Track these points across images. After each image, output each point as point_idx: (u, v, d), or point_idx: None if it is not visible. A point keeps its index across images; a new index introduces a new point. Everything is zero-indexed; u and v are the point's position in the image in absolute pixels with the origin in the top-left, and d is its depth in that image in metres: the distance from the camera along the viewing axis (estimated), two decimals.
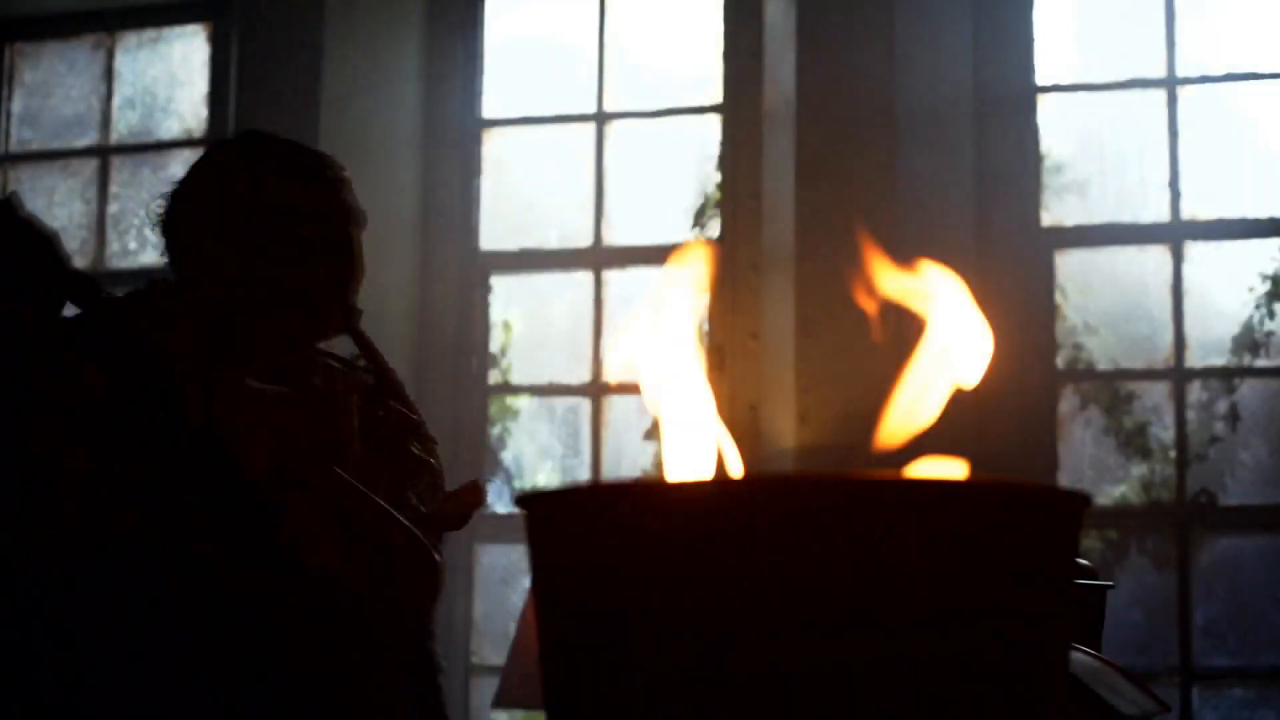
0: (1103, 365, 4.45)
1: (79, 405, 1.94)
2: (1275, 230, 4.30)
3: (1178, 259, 4.30)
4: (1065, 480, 4.24)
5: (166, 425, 1.96)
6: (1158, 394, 4.39)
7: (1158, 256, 4.34)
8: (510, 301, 4.81)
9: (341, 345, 2.27)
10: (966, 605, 1.01)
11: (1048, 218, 4.39)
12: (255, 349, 2.11)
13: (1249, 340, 4.32)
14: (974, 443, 4.06)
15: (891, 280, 1.28)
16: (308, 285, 2.13)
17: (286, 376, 2.11)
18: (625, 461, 4.64)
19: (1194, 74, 4.38)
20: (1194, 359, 4.30)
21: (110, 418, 1.94)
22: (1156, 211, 4.36)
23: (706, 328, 4.54)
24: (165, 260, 2.19)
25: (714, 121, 4.63)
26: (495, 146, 4.88)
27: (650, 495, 1.08)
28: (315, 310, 2.15)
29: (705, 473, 1.26)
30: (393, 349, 2.88)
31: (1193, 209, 4.34)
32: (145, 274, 4.17)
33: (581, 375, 4.70)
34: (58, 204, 5.20)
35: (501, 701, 3.81)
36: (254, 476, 1.96)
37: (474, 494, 2.17)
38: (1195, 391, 4.34)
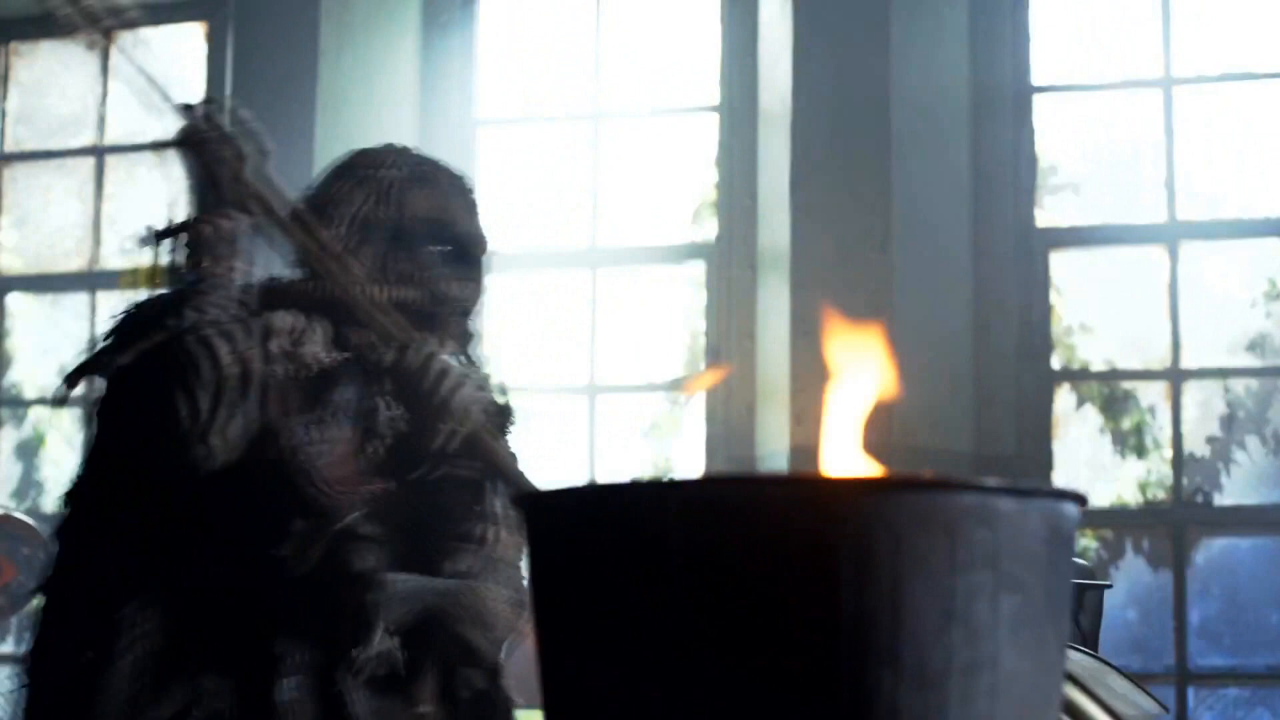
0: (1099, 365, 4.45)
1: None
2: (1271, 230, 4.30)
3: (1174, 259, 4.30)
4: (1061, 480, 4.25)
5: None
6: (1154, 394, 4.39)
7: (1154, 256, 4.34)
8: (508, 301, 4.80)
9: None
10: (965, 605, 1.01)
11: (1043, 217, 4.39)
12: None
13: (1245, 340, 4.33)
14: (971, 442, 4.07)
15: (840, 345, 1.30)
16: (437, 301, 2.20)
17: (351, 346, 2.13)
18: (625, 461, 4.64)
19: (1190, 74, 4.38)
20: (1190, 359, 4.30)
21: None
22: (1152, 212, 4.36)
23: (703, 328, 4.54)
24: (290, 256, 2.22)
25: (711, 122, 4.63)
26: (491, 146, 4.88)
27: (649, 495, 1.08)
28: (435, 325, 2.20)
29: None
30: None
31: (1189, 209, 4.34)
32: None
33: (579, 375, 4.70)
34: (54, 203, 5.19)
35: None
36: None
37: None
38: (1191, 391, 4.35)
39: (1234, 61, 4.37)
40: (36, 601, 2.19)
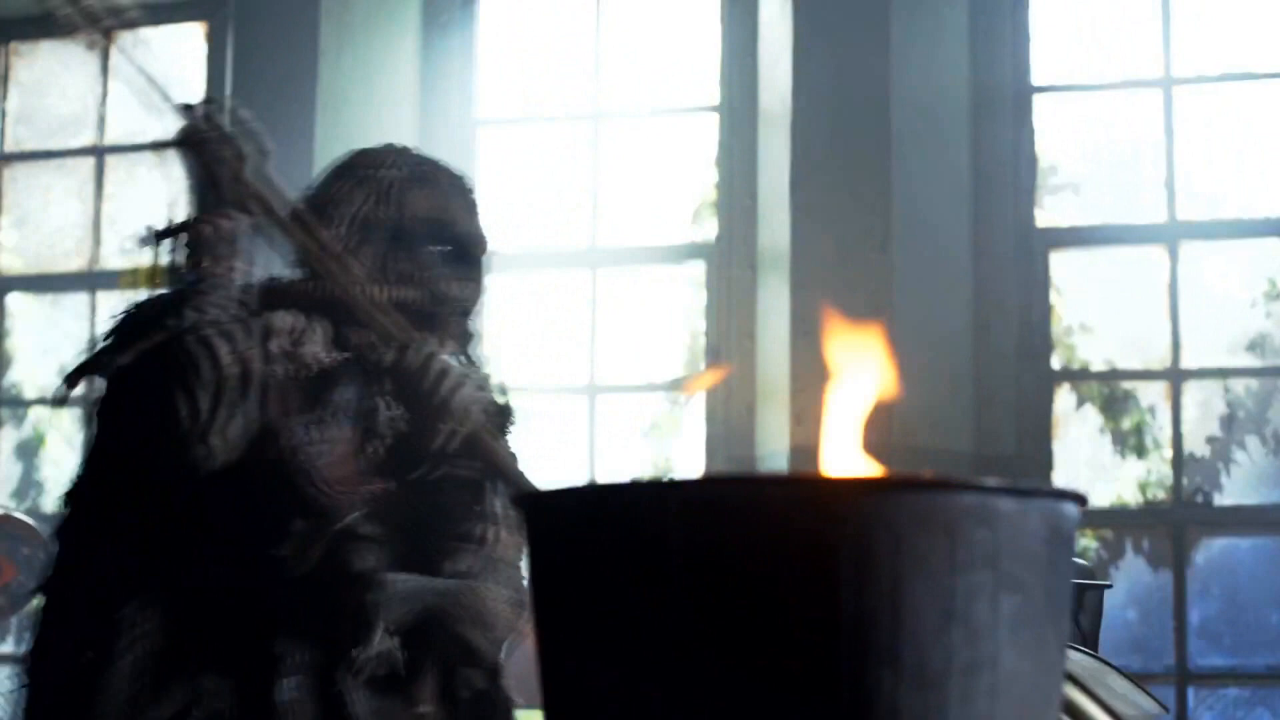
0: (1099, 365, 4.45)
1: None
2: (1271, 230, 4.30)
3: (1174, 259, 4.30)
4: (1061, 480, 4.25)
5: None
6: (1154, 394, 4.40)
7: (1154, 256, 4.34)
8: (508, 301, 4.81)
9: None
10: (965, 605, 1.01)
11: (1043, 217, 4.39)
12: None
13: (1245, 340, 4.33)
14: (971, 442, 4.07)
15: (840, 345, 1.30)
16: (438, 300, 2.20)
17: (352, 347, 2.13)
18: (625, 461, 4.64)
19: (1190, 74, 4.38)
20: (1190, 359, 4.30)
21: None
22: (1152, 212, 4.36)
23: (703, 328, 4.55)
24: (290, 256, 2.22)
25: (711, 122, 4.63)
26: (491, 146, 4.88)
27: (649, 495, 1.08)
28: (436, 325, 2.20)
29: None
30: None
31: (1189, 209, 4.34)
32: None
33: (579, 375, 4.70)
34: (54, 203, 5.19)
35: None
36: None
37: None
38: (1191, 391, 4.35)
39: (1234, 61, 4.37)
40: (36, 601, 2.19)
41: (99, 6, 2.12)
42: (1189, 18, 4.40)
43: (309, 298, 2.14)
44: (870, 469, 1.20)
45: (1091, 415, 4.46)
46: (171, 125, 2.15)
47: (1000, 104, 4.36)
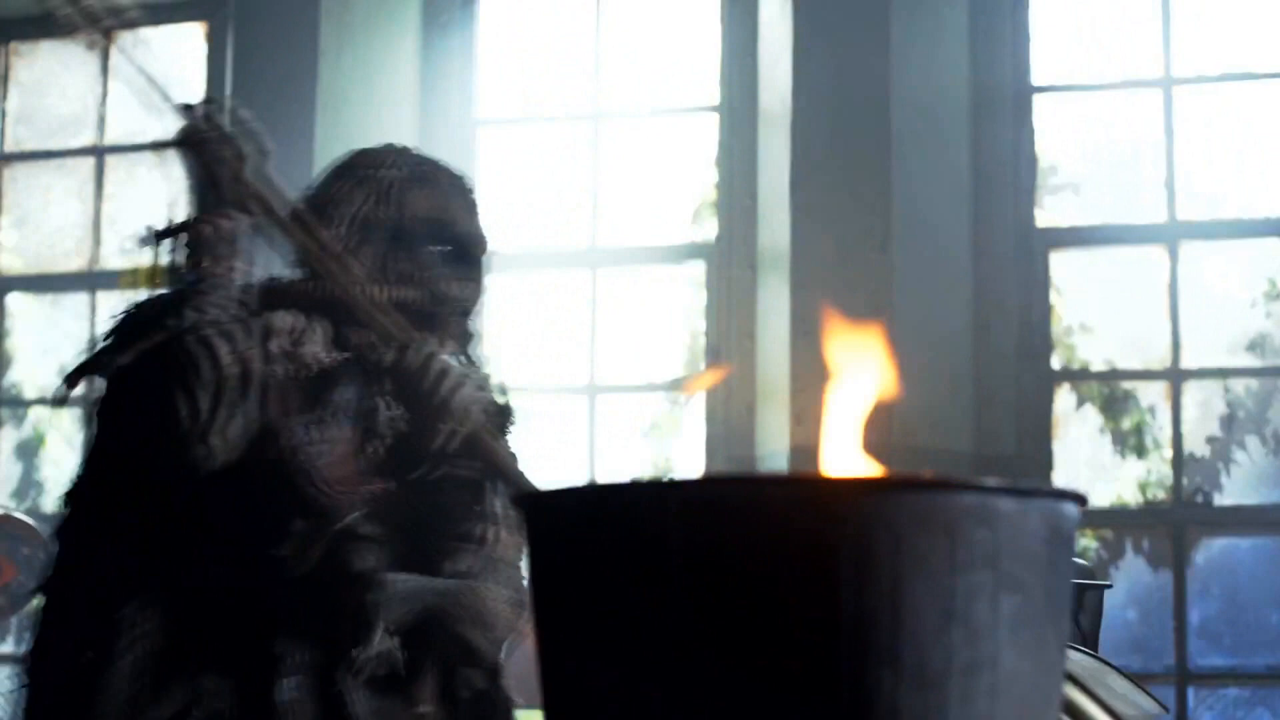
0: (1099, 365, 4.45)
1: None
2: (1271, 230, 4.30)
3: (1174, 259, 4.30)
4: (1061, 480, 4.25)
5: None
6: (1154, 394, 4.40)
7: (1154, 256, 4.35)
8: (508, 301, 4.81)
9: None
10: (965, 605, 1.01)
11: (1043, 217, 4.39)
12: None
13: (1245, 340, 4.33)
14: (971, 442, 4.07)
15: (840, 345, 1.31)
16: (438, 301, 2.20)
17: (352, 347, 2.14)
18: (625, 462, 4.64)
19: (1190, 74, 4.39)
20: (1190, 359, 4.31)
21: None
22: (1152, 212, 4.36)
23: (703, 328, 4.55)
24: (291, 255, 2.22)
25: (711, 122, 4.63)
26: (491, 146, 4.88)
27: (649, 495, 1.08)
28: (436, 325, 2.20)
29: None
30: None
31: (1189, 209, 4.34)
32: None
33: (579, 375, 4.70)
34: (54, 203, 5.19)
35: None
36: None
37: None
38: (1191, 391, 4.35)
39: (1234, 61, 4.37)
40: (36, 601, 2.20)
41: (99, 6, 2.12)
42: (1189, 18, 4.40)
43: (309, 298, 2.14)
44: (870, 469, 1.20)
45: (1091, 415, 4.46)
46: (171, 125, 2.14)
47: (1000, 104, 4.35)
